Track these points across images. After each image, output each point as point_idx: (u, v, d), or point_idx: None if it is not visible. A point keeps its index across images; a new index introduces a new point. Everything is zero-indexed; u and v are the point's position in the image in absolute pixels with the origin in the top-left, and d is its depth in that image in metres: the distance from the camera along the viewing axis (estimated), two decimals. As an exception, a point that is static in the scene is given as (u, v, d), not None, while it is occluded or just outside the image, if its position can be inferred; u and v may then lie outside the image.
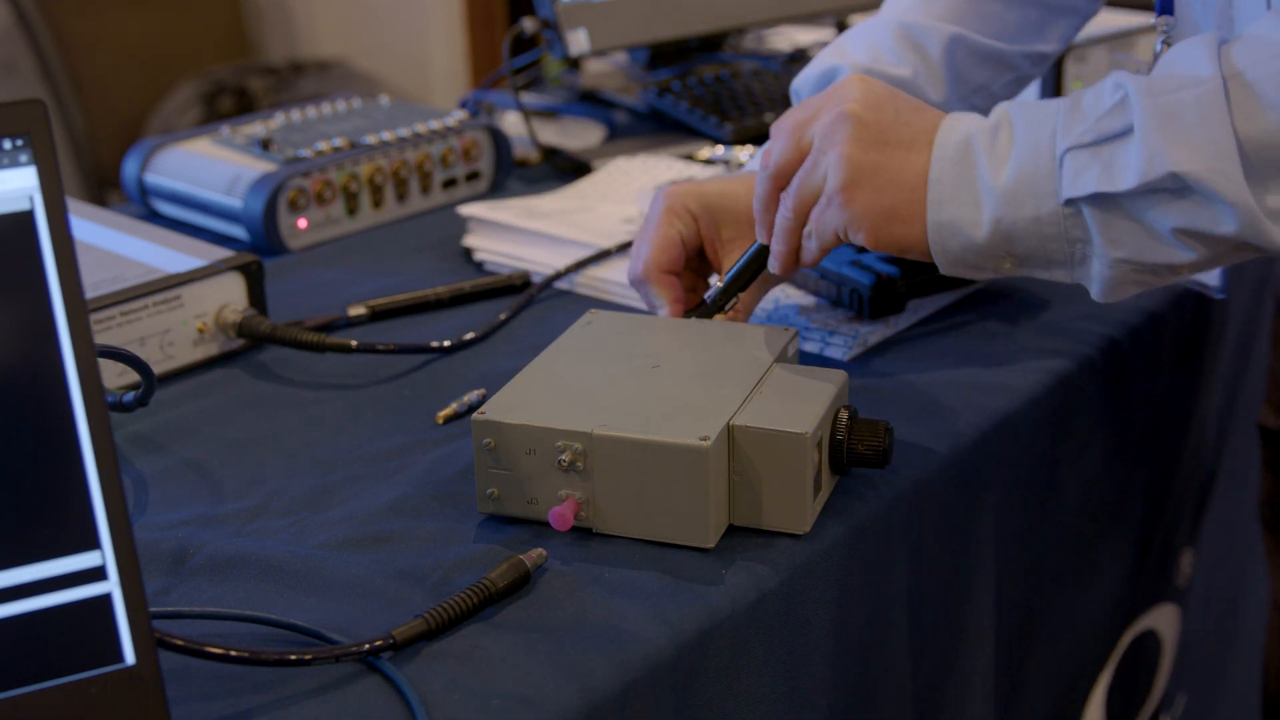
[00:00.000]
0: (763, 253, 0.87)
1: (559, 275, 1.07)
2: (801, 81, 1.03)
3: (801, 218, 0.82)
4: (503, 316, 1.02)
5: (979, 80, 1.01)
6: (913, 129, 0.80)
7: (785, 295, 1.03)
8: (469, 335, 0.99)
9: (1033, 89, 1.24)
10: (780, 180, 0.84)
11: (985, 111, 1.03)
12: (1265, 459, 1.18)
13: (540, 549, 0.72)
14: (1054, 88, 1.23)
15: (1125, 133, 0.73)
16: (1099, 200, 0.74)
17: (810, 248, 0.83)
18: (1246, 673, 1.45)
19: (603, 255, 1.08)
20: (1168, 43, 0.87)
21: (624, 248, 1.09)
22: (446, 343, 0.98)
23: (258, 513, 0.79)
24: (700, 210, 0.92)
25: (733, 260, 0.91)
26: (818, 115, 0.81)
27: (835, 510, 0.78)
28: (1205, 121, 0.71)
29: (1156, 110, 0.72)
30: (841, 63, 0.99)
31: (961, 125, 0.80)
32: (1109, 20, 1.33)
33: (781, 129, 0.83)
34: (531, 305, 1.06)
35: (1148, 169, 0.72)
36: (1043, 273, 0.79)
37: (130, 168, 1.27)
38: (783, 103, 1.47)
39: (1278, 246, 0.72)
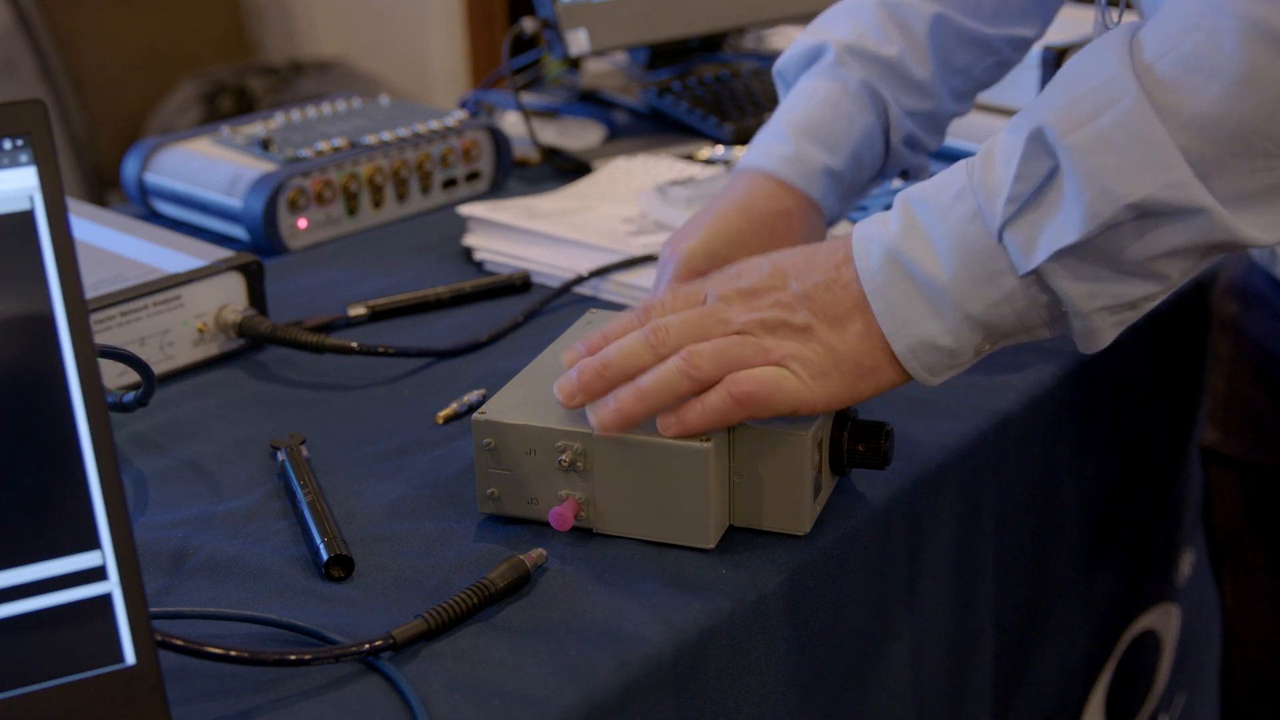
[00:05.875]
0: None
1: (580, 280, 1.06)
2: (785, 63, 1.01)
3: (699, 379, 0.72)
4: (520, 318, 1.02)
5: (961, 63, 1.00)
6: (828, 264, 0.74)
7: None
8: (484, 337, 0.99)
9: (1032, 83, 1.24)
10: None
11: (966, 95, 1.03)
12: (1209, 480, 1.15)
13: (540, 549, 0.72)
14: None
15: (1051, 175, 0.68)
16: (1059, 258, 0.68)
17: (695, 412, 0.72)
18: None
19: (633, 262, 1.06)
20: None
21: (649, 259, 1.06)
22: (443, 347, 0.98)
23: (257, 512, 0.79)
24: (712, 266, 0.88)
25: None
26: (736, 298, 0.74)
27: (835, 511, 0.78)
28: (1137, 137, 0.65)
29: (1083, 146, 0.67)
30: (826, 40, 0.98)
31: (873, 241, 0.73)
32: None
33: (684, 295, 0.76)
34: (531, 304, 1.05)
35: (1098, 209, 0.66)
36: (1024, 338, 0.73)
37: (130, 168, 1.27)
38: (783, 103, 1.47)
39: (1246, 238, 0.67)
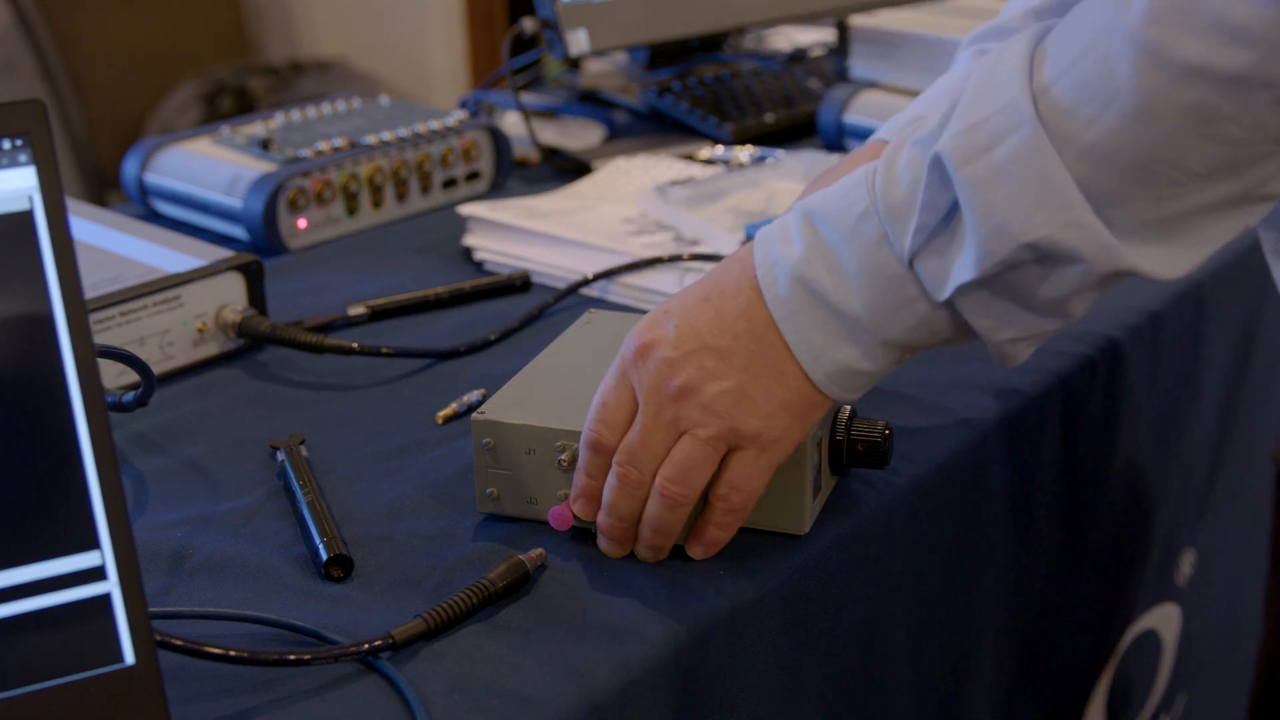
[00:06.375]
0: None
1: (586, 282, 1.05)
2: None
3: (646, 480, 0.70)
4: (527, 317, 1.02)
5: None
6: (735, 301, 0.70)
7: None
8: (492, 336, 0.99)
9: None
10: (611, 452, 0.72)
11: None
12: (1278, 494, 1.13)
13: (540, 549, 0.72)
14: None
15: (953, 209, 0.65)
16: (966, 292, 0.67)
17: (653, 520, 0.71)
18: (1247, 673, 1.45)
19: (638, 265, 1.06)
20: None
21: (655, 261, 1.06)
22: (446, 348, 0.98)
23: (257, 512, 0.79)
24: None
25: None
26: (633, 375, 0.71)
27: (835, 510, 0.78)
28: (1033, 173, 0.62)
29: (978, 179, 0.64)
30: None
31: (778, 265, 0.69)
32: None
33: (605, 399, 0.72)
34: (534, 306, 1.05)
35: (993, 247, 0.64)
36: (940, 348, 0.72)
37: (130, 168, 1.27)
38: (783, 102, 1.47)
39: (1147, 274, 0.64)
